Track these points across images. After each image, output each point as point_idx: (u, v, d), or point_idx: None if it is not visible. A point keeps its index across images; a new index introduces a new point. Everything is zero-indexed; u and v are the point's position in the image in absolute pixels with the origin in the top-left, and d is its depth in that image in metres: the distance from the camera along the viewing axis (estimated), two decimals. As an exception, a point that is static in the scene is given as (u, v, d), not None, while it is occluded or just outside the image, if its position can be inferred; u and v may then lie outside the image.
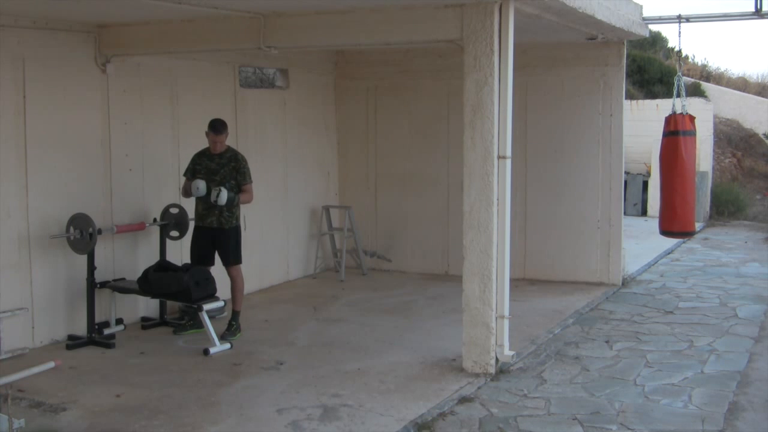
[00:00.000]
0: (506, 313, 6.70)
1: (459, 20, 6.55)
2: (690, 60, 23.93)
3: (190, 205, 8.57)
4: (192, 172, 7.84)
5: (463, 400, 6.13)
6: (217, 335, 7.42)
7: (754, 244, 13.95)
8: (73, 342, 7.52)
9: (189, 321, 7.99)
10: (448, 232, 10.66)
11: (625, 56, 10.10)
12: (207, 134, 7.74)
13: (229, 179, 7.72)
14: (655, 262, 12.06)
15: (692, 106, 11.73)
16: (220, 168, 7.73)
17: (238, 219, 7.89)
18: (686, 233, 9.97)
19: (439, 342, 7.62)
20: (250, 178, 7.83)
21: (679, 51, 11.14)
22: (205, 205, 7.74)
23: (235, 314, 7.87)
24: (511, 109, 6.57)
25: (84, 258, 7.57)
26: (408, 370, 6.82)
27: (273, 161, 10.16)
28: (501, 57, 6.48)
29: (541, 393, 6.33)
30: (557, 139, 10.32)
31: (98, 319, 7.75)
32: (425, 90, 10.84)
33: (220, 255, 7.92)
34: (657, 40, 24.43)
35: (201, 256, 7.89)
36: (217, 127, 7.71)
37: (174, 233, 8.41)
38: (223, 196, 7.52)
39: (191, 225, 8.15)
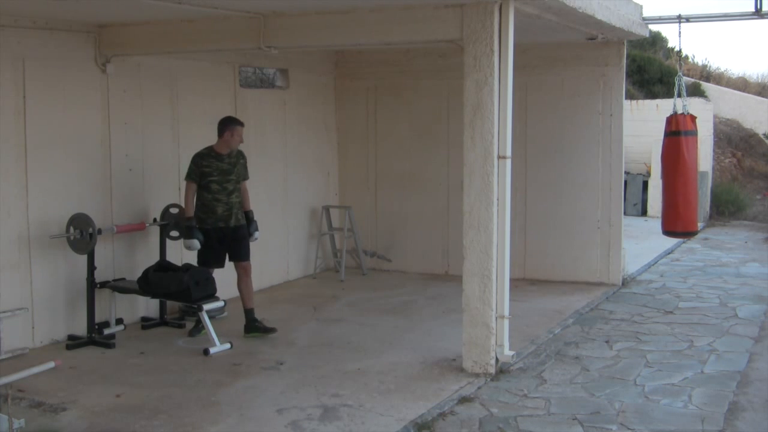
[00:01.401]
0: (506, 313, 6.70)
1: (459, 20, 6.55)
2: (690, 60, 23.93)
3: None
4: (199, 176, 7.64)
5: (463, 400, 6.13)
6: (218, 335, 7.41)
7: (754, 244, 13.95)
8: (73, 342, 7.52)
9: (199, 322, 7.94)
10: (448, 232, 10.66)
11: (625, 56, 10.09)
12: (231, 131, 7.64)
13: (240, 178, 7.78)
14: (655, 262, 12.06)
15: (692, 106, 11.70)
16: (232, 167, 7.71)
17: None
18: (689, 233, 9.97)
19: (439, 342, 7.61)
20: None
21: (679, 51, 11.18)
22: (225, 206, 7.69)
23: (251, 311, 7.84)
24: (511, 109, 6.57)
25: (84, 258, 7.57)
26: (408, 370, 6.82)
27: (273, 161, 10.16)
28: (501, 57, 6.48)
29: (541, 393, 6.33)
30: (557, 139, 10.31)
31: (98, 319, 7.75)
32: (425, 90, 10.84)
33: (238, 251, 7.86)
34: (657, 40, 24.43)
35: (217, 258, 7.84)
36: (240, 121, 7.73)
37: (174, 233, 8.41)
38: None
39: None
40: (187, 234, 7.73)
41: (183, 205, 7.93)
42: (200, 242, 7.69)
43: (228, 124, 7.72)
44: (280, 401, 6.06)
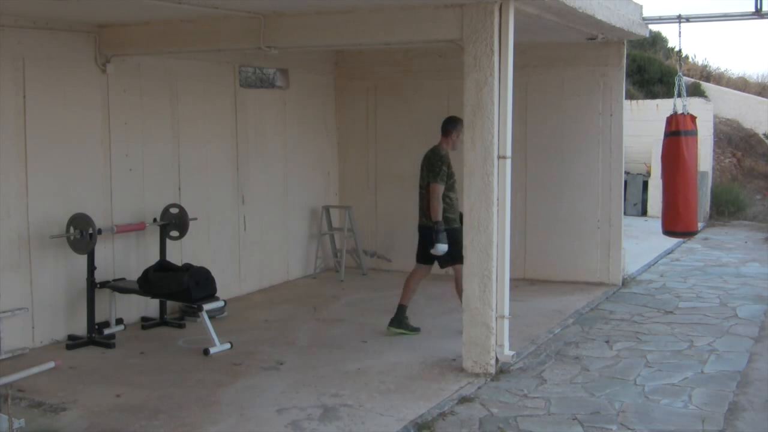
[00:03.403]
0: (506, 313, 6.70)
1: (459, 20, 6.55)
2: (690, 60, 23.94)
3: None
4: (448, 176, 7.55)
5: (463, 400, 6.13)
6: (217, 335, 7.41)
7: (754, 244, 13.95)
8: (73, 342, 7.52)
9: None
10: (448, 232, 10.64)
11: (625, 56, 10.10)
12: (458, 132, 7.51)
13: None
14: (655, 262, 12.06)
15: (692, 106, 11.70)
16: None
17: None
18: (689, 233, 9.97)
19: (439, 342, 7.61)
20: None
21: (679, 51, 11.16)
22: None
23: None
24: (511, 109, 6.57)
25: (84, 258, 7.57)
26: (408, 370, 6.82)
27: (273, 161, 10.16)
28: (501, 57, 6.48)
29: (541, 393, 6.33)
30: (557, 139, 10.31)
31: (98, 319, 7.75)
32: (425, 90, 10.84)
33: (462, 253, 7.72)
34: (657, 40, 24.43)
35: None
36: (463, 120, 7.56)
37: (174, 233, 8.41)
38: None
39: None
40: (439, 238, 7.47)
41: (434, 208, 7.50)
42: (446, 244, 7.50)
43: (457, 124, 7.60)
44: (280, 401, 6.06)
